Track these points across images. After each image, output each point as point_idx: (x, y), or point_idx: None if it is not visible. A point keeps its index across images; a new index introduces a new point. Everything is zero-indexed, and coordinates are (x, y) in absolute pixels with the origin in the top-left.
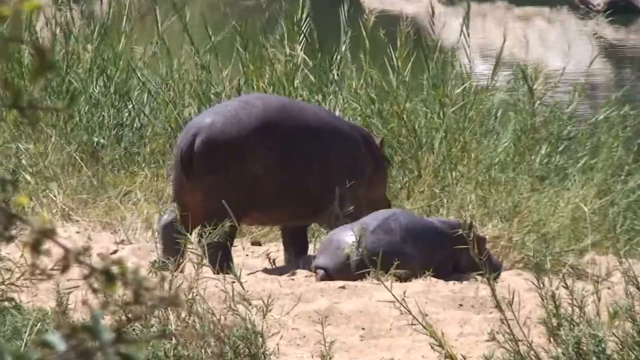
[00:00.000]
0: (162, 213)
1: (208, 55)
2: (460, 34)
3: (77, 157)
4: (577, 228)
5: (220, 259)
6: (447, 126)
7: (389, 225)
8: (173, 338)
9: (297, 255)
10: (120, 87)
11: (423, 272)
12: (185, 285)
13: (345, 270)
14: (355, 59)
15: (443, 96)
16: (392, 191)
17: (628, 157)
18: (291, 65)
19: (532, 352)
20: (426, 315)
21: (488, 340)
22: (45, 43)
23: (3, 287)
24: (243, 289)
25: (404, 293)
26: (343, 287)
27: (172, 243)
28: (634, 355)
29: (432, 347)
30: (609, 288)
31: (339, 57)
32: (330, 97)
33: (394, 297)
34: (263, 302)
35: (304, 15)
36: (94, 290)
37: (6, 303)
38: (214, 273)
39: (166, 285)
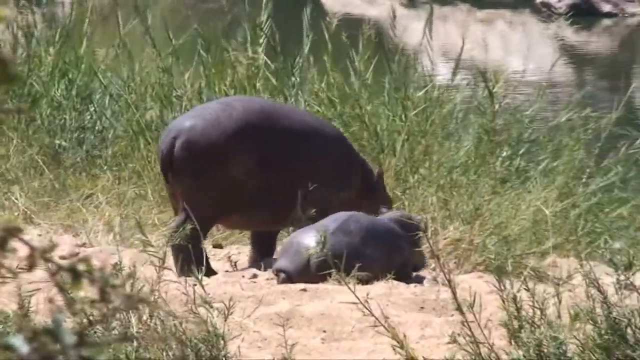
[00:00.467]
0: (122, 216)
1: (170, 58)
2: (423, 37)
3: (39, 160)
4: (538, 231)
5: (182, 262)
6: (408, 129)
7: (348, 227)
8: (135, 341)
9: (261, 256)
10: (82, 90)
11: (384, 275)
12: (147, 288)
13: (306, 273)
14: (317, 61)
15: (405, 99)
16: None
17: (589, 159)
18: (253, 68)
19: (493, 355)
20: (388, 317)
21: (449, 343)
22: (10, 54)
23: None
24: (204, 291)
25: (366, 295)
26: (304, 290)
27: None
28: (594, 358)
29: (393, 349)
30: (570, 290)
31: (301, 60)
32: (292, 100)
33: (357, 299)
34: (224, 304)
35: (266, 18)
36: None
37: None
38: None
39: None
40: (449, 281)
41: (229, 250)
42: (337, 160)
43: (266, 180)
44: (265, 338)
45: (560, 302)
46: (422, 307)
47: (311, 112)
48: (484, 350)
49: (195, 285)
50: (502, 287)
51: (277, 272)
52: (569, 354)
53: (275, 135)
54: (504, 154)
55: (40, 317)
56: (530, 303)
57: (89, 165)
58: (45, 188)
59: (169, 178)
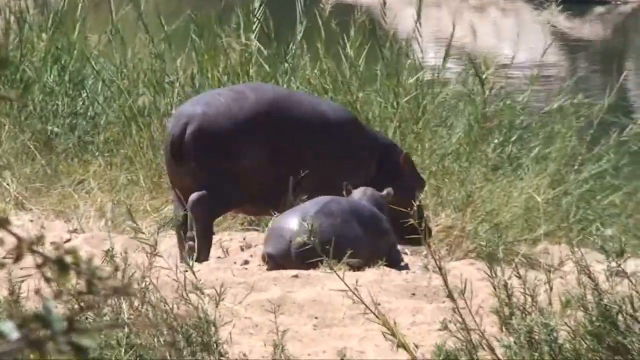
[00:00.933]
0: (114, 202)
1: (162, 44)
2: (416, 24)
3: (31, 146)
4: (530, 218)
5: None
6: (400, 116)
7: (329, 209)
8: (126, 327)
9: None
10: (75, 76)
11: (375, 260)
12: (138, 275)
13: (288, 257)
14: (310, 48)
15: (397, 86)
16: None
17: (581, 146)
18: (246, 54)
19: (484, 341)
20: (379, 304)
21: (440, 329)
22: (0, 39)
23: None
24: (195, 278)
25: (357, 282)
26: (296, 276)
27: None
28: (585, 344)
29: (384, 336)
30: (561, 277)
31: (294, 47)
32: (284, 86)
33: (347, 286)
34: (216, 291)
35: (259, 4)
36: (47, 280)
37: None
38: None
39: (119, 275)
40: (440, 268)
41: (220, 237)
42: (350, 148)
43: (277, 171)
44: (257, 324)
45: (551, 289)
46: (413, 294)
47: (328, 100)
48: (475, 337)
49: (186, 271)
50: (494, 274)
51: (266, 257)
52: (560, 341)
53: (287, 126)
54: (496, 141)
55: (31, 303)
56: (522, 290)
57: (81, 151)
58: (37, 174)
59: (176, 162)
